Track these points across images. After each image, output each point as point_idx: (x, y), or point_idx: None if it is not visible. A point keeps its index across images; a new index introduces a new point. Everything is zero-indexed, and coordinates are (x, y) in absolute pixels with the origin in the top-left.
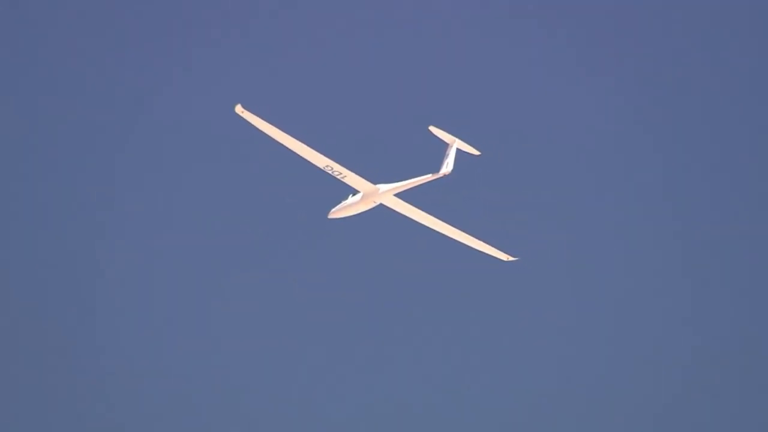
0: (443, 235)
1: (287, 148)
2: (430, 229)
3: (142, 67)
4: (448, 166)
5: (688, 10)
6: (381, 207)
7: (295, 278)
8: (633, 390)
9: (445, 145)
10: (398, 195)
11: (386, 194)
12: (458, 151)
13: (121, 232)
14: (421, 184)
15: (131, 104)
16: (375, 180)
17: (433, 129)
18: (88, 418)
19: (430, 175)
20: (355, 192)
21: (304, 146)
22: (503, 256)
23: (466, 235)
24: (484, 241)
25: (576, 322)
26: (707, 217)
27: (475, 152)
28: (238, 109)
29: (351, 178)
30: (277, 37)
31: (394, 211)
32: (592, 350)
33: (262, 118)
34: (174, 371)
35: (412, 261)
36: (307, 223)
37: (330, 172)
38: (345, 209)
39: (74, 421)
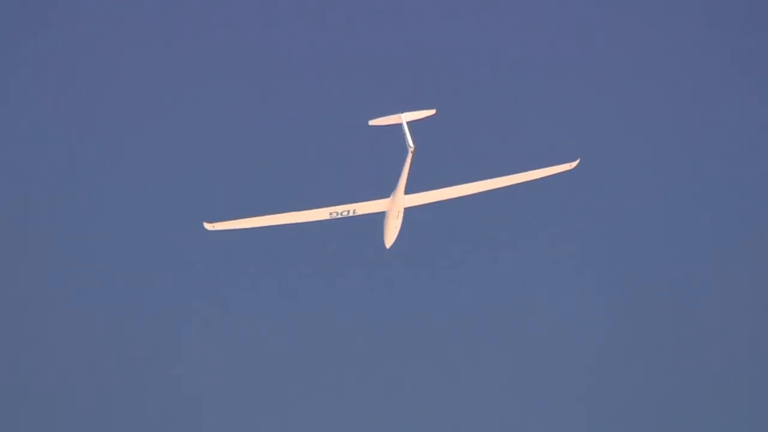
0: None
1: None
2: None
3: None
4: (410, 142)
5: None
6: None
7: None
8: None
9: (396, 128)
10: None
11: (400, 198)
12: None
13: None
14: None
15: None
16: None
17: (373, 122)
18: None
19: (409, 156)
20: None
21: (298, 213)
22: (565, 166)
23: (512, 176)
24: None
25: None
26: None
27: (430, 112)
28: (209, 226)
29: (363, 208)
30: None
31: (422, 205)
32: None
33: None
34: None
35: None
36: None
37: (337, 216)
38: (391, 231)
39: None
